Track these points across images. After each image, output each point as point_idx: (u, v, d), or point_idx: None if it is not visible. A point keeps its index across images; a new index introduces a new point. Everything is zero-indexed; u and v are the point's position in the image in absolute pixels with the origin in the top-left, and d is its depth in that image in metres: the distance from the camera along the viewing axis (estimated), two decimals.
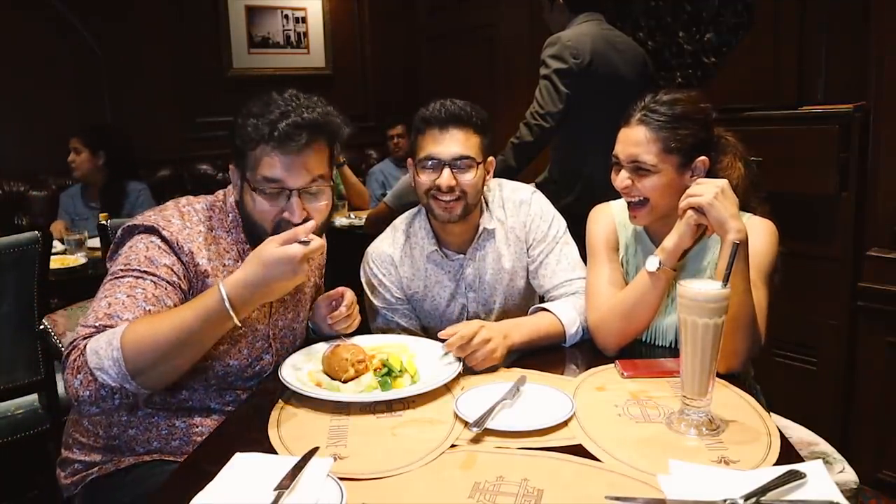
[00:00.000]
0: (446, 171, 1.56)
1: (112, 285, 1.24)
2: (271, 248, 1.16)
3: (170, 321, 1.15)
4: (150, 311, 1.20)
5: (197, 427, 1.34)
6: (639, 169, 1.42)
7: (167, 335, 1.14)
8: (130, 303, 1.20)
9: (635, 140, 1.41)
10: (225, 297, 1.14)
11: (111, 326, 1.17)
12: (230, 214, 1.41)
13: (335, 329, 1.50)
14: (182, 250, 1.30)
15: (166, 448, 1.32)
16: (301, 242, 1.16)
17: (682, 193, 1.42)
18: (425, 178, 1.60)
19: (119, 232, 1.35)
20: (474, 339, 1.36)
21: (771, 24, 2.78)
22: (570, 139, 2.65)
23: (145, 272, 1.25)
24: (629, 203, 1.47)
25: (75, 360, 1.15)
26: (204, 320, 1.15)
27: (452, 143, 1.57)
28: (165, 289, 1.25)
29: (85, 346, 1.15)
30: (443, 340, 1.38)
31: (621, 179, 1.45)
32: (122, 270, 1.25)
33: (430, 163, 1.58)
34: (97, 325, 1.18)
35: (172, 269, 1.28)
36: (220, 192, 1.45)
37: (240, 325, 1.19)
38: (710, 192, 1.26)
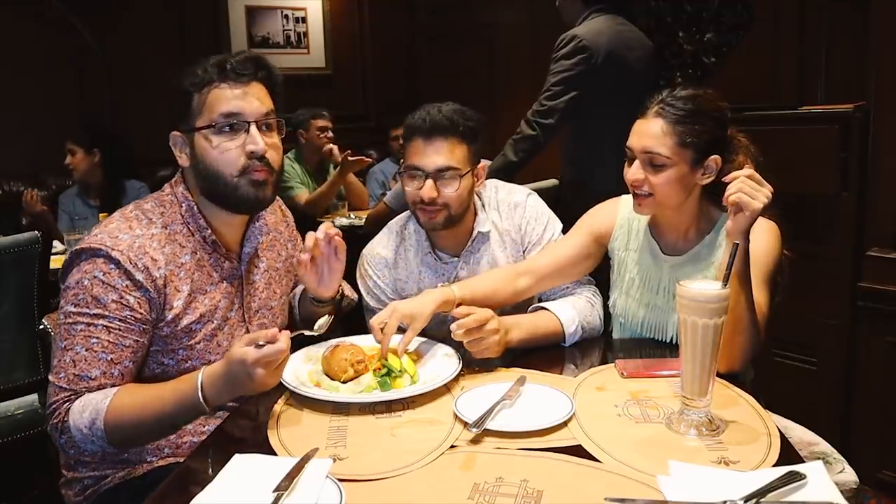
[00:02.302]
0: (429, 182, 1.55)
1: (68, 333, 1.24)
2: (237, 345, 1.18)
3: (151, 405, 1.21)
4: (111, 359, 1.24)
5: (203, 427, 1.34)
6: (652, 161, 1.41)
7: (148, 420, 1.22)
8: (92, 357, 1.23)
9: (651, 132, 1.40)
10: (199, 386, 1.19)
11: (86, 388, 1.22)
12: (183, 204, 1.36)
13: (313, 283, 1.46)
14: (136, 267, 1.25)
15: (178, 452, 1.32)
16: (257, 346, 1.16)
17: (690, 190, 1.44)
18: (410, 188, 1.59)
19: (68, 254, 1.30)
20: (486, 325, 1.37)
21: (771, 24, 2.78)
22: (580, 137, 2.65)
23: (95, 315, 1.23)
24: (635, 193, 1.46)
25: (58, 423, 1.22)
26: (182, 406, 1.21)
27: (436, 154, 1.55)
28: (119, 329, 1.24)
29: (67, 413, 1.21)
30: (447, 333, 1.37)
31: (633, 172, 1.43)
32: (73, 313, 1.24)
33: (413, 173, 1.58)
34: (70, 388, 1.22)
35: (121, 302, 1.24)
36: (166, 186, 1.40)
37: (212, 413, 1.25)
38: (763, 201, 1.22)
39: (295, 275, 1.61)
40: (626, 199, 1.63)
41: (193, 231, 1.35)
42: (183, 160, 1.35)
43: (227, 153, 1.29)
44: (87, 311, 1.23)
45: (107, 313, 1.23)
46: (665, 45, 3.18)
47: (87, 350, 1.22)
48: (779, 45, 2.74)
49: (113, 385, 1.24)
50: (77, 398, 1.22)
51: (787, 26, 2.71)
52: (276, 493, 0.93)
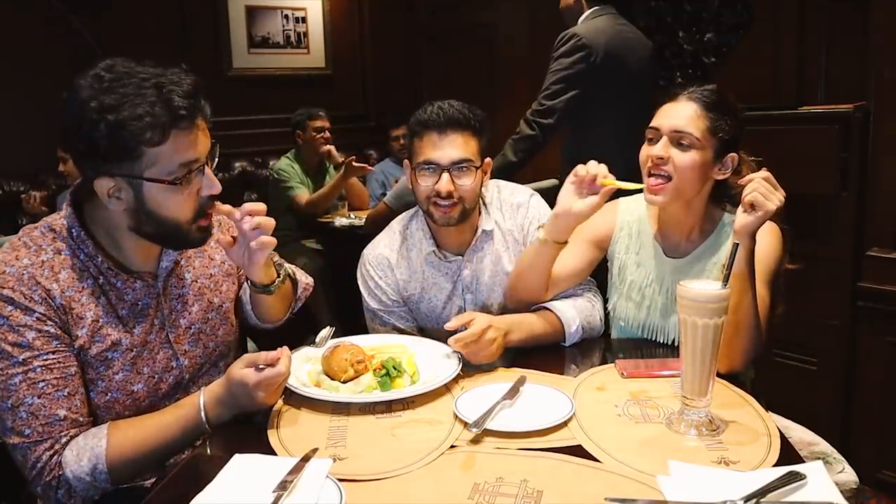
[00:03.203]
0: (445, 176, 1.55)
1: (7, 391, 1.14)
2: (236, 367, 1.18)
3: (154, 437, 1.20)
4: (67, 393, 1.16)
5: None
6: (680, 141, 1.40)
7: (152, 451, 1.21)
8: (48, 401, 1.15)
9: (684, 113, 1.41)
10: (202, 408, 1.21)
11: (62, 430, 1.16)
12: (73, 230, 1.23)
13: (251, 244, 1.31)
14: (33, 300, 1.15)
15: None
16: (257, 369, 1.17)
17: (704, 183, 1.44)
18: (424, 183, 1.59)
19: None
20: (483, 336, 1.38)
21: (771, 24, 2.78)
22: (579, 136, 2.65)
23: (26, 360, 1.14)
24: (653, 175, 1.43)
25: (52, 480, 1.15)
26: (185, 430, 1.22)
27: (451, 147, 1.56)
28: (58, 361, 1.16)
29: (59, 467, 1.14)
30: (447, 333, 1.38)
31: (658, 149, 1.41)
32: (1, 369, 1.14)
33: (428, 168, 1.57)
34: (45, 437, 1.14)
35: (44, 335, 1.15)
36: (59, 213, 1.28)
37: (211, 433, 1.22)
38: (776, 204, 1.24)
39: (241, 272, 1.49)
40: (624, 203, 1.63)
41: (88, 257, 1.23)
42: (117, 205, 1.18)
43: (184, 201, 1.19)
44: (16, 359, 1.13)
45: (37, 352, 1.14)
46: (665, 45, 3.18)
47: (39, 397, 1.14)
48: (779, 45, 2.74)
49: (82, 416, 1.19)
50: (61, 447, 1.15)
51: (787, 26, 2.71)
52: (275, 493, 0.93)
